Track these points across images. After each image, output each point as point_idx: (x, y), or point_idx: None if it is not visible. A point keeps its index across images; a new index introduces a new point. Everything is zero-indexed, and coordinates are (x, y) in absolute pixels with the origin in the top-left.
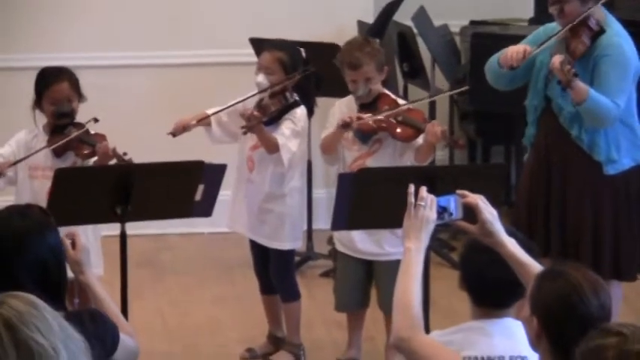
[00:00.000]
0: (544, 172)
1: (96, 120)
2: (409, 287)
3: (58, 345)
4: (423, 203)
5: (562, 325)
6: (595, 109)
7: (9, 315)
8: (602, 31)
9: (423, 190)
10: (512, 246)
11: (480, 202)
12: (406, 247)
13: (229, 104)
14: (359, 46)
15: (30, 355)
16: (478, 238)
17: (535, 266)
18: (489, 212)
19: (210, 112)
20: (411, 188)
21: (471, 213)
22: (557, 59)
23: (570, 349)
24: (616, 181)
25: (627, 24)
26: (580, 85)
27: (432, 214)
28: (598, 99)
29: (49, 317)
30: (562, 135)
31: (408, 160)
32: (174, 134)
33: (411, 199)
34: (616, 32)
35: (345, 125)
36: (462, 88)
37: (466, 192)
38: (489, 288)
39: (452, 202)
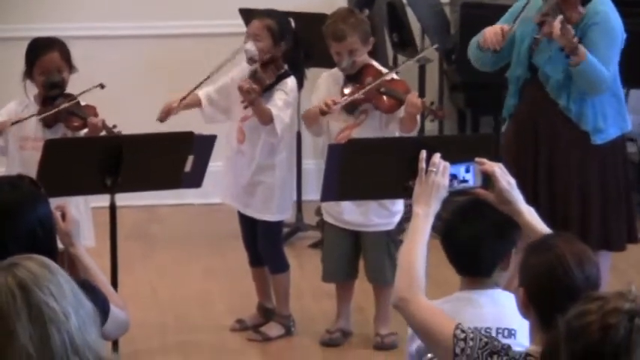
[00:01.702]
0: (531, 143)
1: (102, 86)
2: (414, 250)
3: (70, 310)
4: (434, 169)
5: (548, 297)
6: (591, 71)
7: (23, 276)
8: None
9: (437, 156)
10: (529, 215)
11: (498, 169)
12: (415, 212)
13: (205, 78)
14: (342, 17)
15: (40, 318)
16: (497, 206)
17: None
18: (507, 180)
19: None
20: (423, 154)
21: (488, 181)
22: (557, 25)
23: (557, 319)
24: (603, 151)
25: None
26: (582, 48)
27: (444, 181)
28: (595, 62)
29: (63, 282)
30: (549, 105)
31: (394, 130)
32: (161, 120)
33: (422, 164)
34: (601, 1)
35: (323, 113)
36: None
37: (484, 160)
38: (460, 254)
39: (464, 170)
